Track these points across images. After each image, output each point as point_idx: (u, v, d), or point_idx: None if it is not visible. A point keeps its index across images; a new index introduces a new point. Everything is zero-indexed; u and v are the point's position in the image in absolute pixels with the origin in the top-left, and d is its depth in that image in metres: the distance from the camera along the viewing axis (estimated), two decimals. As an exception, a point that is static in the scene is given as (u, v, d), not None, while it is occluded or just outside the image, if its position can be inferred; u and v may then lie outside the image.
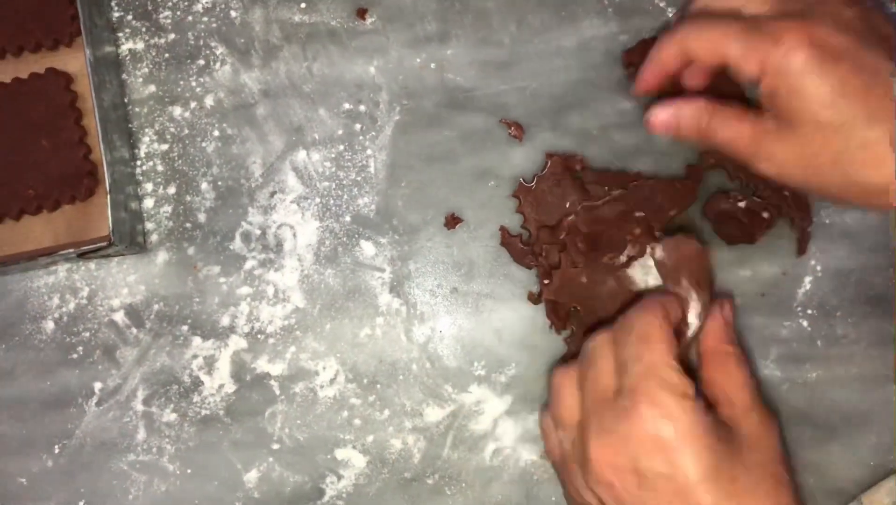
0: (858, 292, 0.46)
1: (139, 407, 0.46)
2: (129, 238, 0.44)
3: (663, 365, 0.38)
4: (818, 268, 0.46)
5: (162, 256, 0.46)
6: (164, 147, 0.47)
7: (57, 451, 0.46)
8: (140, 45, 0.47)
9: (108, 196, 0.42)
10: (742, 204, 0.46)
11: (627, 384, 0.38)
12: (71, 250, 0.42)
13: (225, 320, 0.46)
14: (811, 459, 0.45)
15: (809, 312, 0.46)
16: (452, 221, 0.47)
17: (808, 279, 0.46)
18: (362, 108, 0.47)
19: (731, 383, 0.41)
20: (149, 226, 0.47)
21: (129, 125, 0.47)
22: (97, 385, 0.46)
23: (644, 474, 0.37)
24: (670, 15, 0.47)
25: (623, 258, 0.44)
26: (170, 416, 0.46)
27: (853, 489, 0.45)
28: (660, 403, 0.37)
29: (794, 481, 0.40)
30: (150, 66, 0.47)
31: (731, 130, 0.40)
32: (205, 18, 0.47)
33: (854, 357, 0.46)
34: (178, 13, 0.47)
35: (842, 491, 0.45)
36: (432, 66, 0.47)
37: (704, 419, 0.38)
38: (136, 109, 0.47)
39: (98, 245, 0.42)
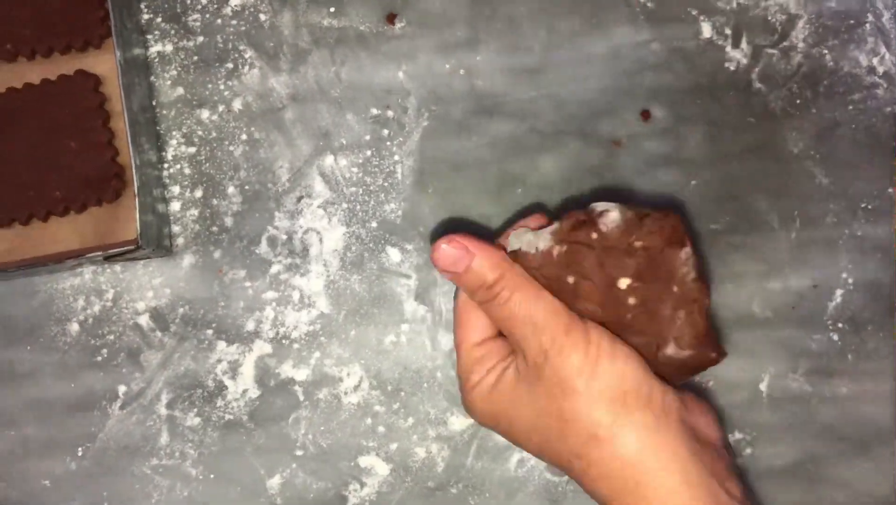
0: (890, 306, 0.44)
1: (163, 411, 0.44)
2: (155, 241, 0.42)
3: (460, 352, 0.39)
4: (850, 281, 0.44)
5: (188, 260, 0.45)
6: (192, 150, 0.45)
7: (80, 453, 0.44)
8: (169, 48, 0.46)
9: (136, 199, 0.41)
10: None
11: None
12: (98, 253, 0.41)
13: (250, 325, 0.45)
14: (840, 474, 0.43)
15: (840, 325, 0.44)
16: None
17: (839, 292, 0.44)
18: (390, 113, 0.45)
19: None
20: (175, 229, 0.45)
21: (157, 128, 0.45)
22: (121, 388, 0.45)
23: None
24: (702, 24, 0.46)
25: None
26: (193, 420, 0.44)
27: (883, 506, 0.43)
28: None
29: None
30: (179, 68, 0.46)
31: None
32: (234, 22, 0.46)
33: (884, 372, 0.44)
34: (207, 16, 0.46)
35: (871, 508, 0.43)
36: (461, 72, 0.46)
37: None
38: (164, 112, 0.45)
39: (125, 248, 0.41)
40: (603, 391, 0.35)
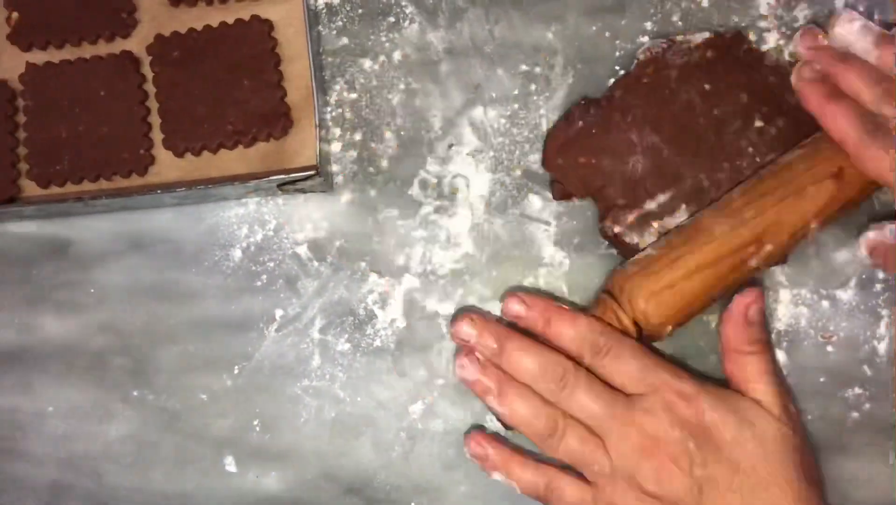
0: None
1: (316, 335, 0.46)
2: (324, 174, 0.44)
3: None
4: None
5: (346, 197, 0.47)
6: (353, 96, 0.47)
7: (236, 371, 0.46)
8: (336, 0, 0.48)
9: (317, 129, 0.43)
10: None
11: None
12: (275, 177, 0.43)
13: (400, 260, 0.46)
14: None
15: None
16: None
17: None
18: (538, 70, 0.47)
19: (752, 381, 0.40)
20: (335, 168, 0.47)
21: (323, 73, 0.47)
22: (278, 312, 0.46)
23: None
24: None
25: None
26: (344, 345, 0.46)
27: None
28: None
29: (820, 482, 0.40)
30: (345, 20, 0.48)
31: None
32: (396, -21, 0.48)
33: None
34: (372, -27, 0.48)
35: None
36: (607, 34, 0.47)
37: None
38: (329, 60, 0.47)
39: (304, 174, 0.42)
40: None
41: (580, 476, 0.40)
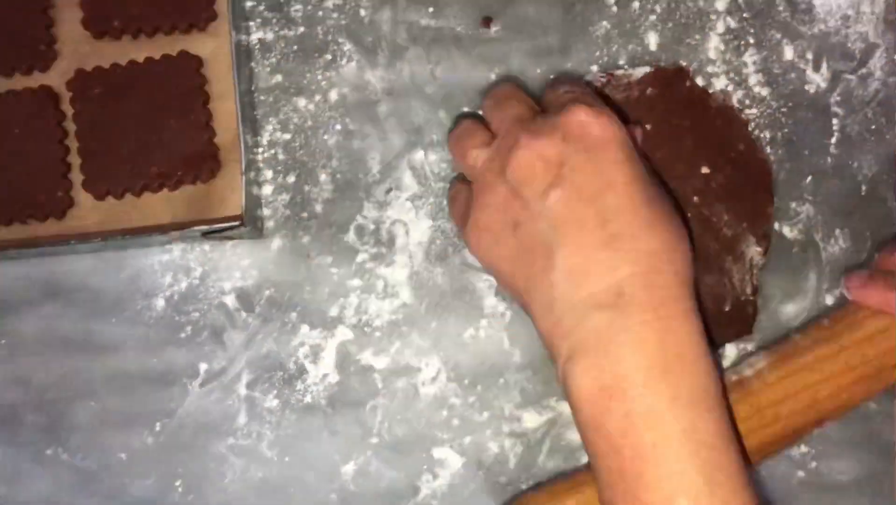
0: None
1: (242, 391, 0.44)
2: (252, 221, 0.42)
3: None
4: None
5: (276, 243, 0.44)
6: (287, 137, 0.45)
7: (158, 428, 0.43)
8: (270, 36, 0.45)
9: (243, 176, 0.40)
10: None
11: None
12: (198, 228, 0.40)
13: (334, 311, 0.44)
14: (906, 492, 0.43)
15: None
16: None
17: (909, 313, 0.44)
18: (481, 113, 0.45)
19: None
20: (265, 212, 0.44)
21: (255, 112, 0.45)
22: (203, 366, 0.44)
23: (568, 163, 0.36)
24: (785, 47, 0.46)
25: None
26: (272, 402, 0.43)
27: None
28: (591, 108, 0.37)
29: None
30: (279, 56, 0.45)
31: None
32: (334, 14, 0.46)
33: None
34: (309, 7, 0.46)
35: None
36: (551, 77, 0.45)
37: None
38: (262, 98, 0.45)
39: (229, 224, 0.40)
40: None
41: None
